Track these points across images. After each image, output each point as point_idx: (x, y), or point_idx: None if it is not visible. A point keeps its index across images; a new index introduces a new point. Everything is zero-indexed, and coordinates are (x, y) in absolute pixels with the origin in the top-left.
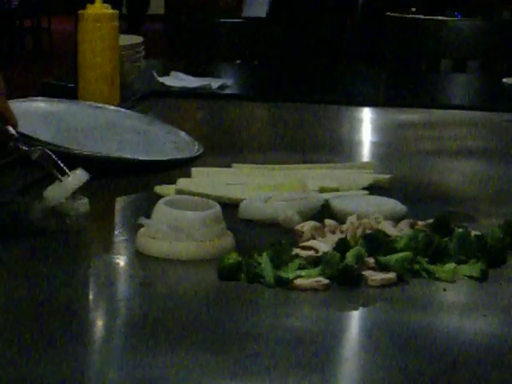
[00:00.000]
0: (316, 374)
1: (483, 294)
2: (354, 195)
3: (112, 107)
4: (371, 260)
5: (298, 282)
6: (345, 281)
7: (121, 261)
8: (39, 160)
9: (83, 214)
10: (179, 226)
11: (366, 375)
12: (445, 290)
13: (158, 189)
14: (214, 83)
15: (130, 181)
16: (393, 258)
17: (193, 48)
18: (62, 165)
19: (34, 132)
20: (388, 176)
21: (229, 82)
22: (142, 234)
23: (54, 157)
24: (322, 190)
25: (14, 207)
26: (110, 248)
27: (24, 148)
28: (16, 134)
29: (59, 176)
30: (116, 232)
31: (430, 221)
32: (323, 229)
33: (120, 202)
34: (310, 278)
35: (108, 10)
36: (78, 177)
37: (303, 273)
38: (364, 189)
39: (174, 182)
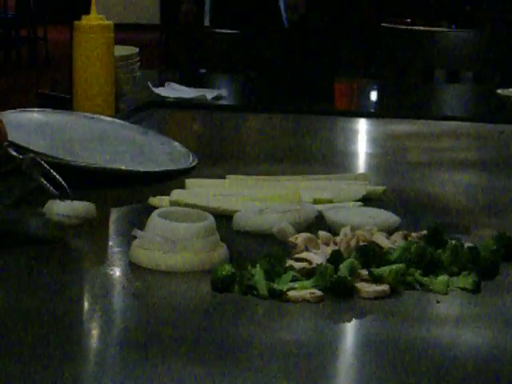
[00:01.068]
0: None
1: (476, 305)
2: (347, 207)
3: (107, 118)
4: (364, 272)
5: (292, 293)
6: (338, 293)
7: (115, 272)
8: (29, 170)
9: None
10: (173, 237)
11: None
12: (438, 301)
13: (153, 200)
14: (209, 94)
15: (125, 192)
16: (386, 269)
17: (188, 59)
18: (54, 173)
19: (28, 143)
20: (382, 187)
21: (223, 93)
22: (136, 245)
23: (45, 165)
24: (316, 202)
25: (10, 216)
26: (104, 259)
27: (15, 155)
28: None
29: (49, 188)
30: (110, 243)
31: (424, 232)
32: (317, 240)
33: (114, 213)
34: (303, 290)
35: (103, 21)
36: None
37: (296, 284)
38: (358, 200)
39: (168, 194)
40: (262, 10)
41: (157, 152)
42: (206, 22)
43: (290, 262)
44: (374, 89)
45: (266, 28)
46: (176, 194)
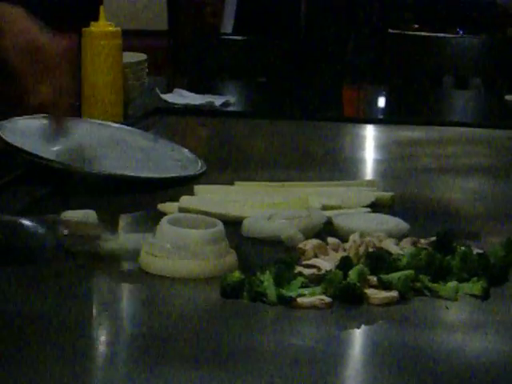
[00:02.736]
0: None
1: (485, 311)
2: (356, 213)
3: (115, 124)
4: (374, 278)
5: (301, 300)
6: (347, 299)
7: (124, 278)
8: None
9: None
10: (182, 244)
11: None
12: (447, 308)
13: (162, 206)
14: (217, 100)
15: (133, 198)
16: (395, 276)
17: (196, 65)
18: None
19: (38, 150)
20: (390, 194)
21: (232, 99)
22: (145, 251)
23: None
24: (325, 208)
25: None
26: (113, 266)
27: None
28: None
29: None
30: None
31: (433, 239)
32: (326, 247)
33: (123, 220)
34: (312, 296)
35: (112, 27)
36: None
37: (306, 291)
38: (366, 206)
39: (177, 200)
40: (283, 17)
41: (165, 158)
42: (228, 29)
43: (298, 269)
44: (381, 95)
45: (284, 35)
46: (185, 201)
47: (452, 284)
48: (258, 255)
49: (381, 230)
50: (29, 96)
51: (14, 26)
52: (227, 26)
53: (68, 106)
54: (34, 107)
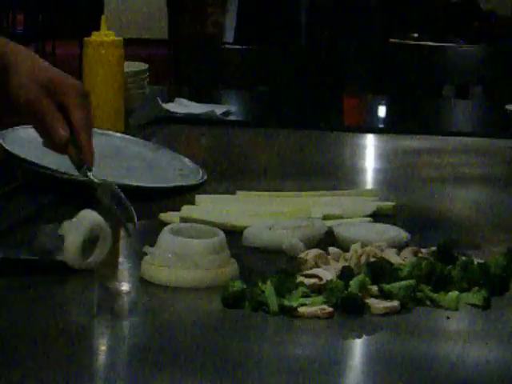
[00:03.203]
0: None
1: (486, 321)
2: (357, 223)
3: (117, 134)
4: (375, 288)
5: (302, 309)
6: (348, 309)
7: (125, 288)
8: (102, 196)
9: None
10: (184, 253)
11: None
12: (448, 317)
13: (163, 216)
14: (218, 110)
15: (135, 208)
16: (396, 285)
17: (197, 74)
18: (125, 200)
19: (39, 159)
20: (391, 203)
21: (233, 108)
22: (146, 261)
23: (118, 192)
24: (326, 218)
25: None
26: (114, 275)
27: (93, 180)
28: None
29: (118, 215)
30: (121, 259)
31: (434, 248)
32: (327, 256)
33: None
34: (313, 306)
35: (113, 36)
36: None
37: (307, 301)
38: (367, 216)
39: (178, 209)
40: (284, 26)
41: (167, 168)
42: (229, 38)
43: (300, 278)
44: (382, 104)
45: (285, 44)
46: (186, 210)
47: (453, 294)
48: (259, 265)
49: (382, 239)
50: (54, 132)
51: (31, 64)
52: (228, 35)
53: (89, 144)
54: (58, 145)
